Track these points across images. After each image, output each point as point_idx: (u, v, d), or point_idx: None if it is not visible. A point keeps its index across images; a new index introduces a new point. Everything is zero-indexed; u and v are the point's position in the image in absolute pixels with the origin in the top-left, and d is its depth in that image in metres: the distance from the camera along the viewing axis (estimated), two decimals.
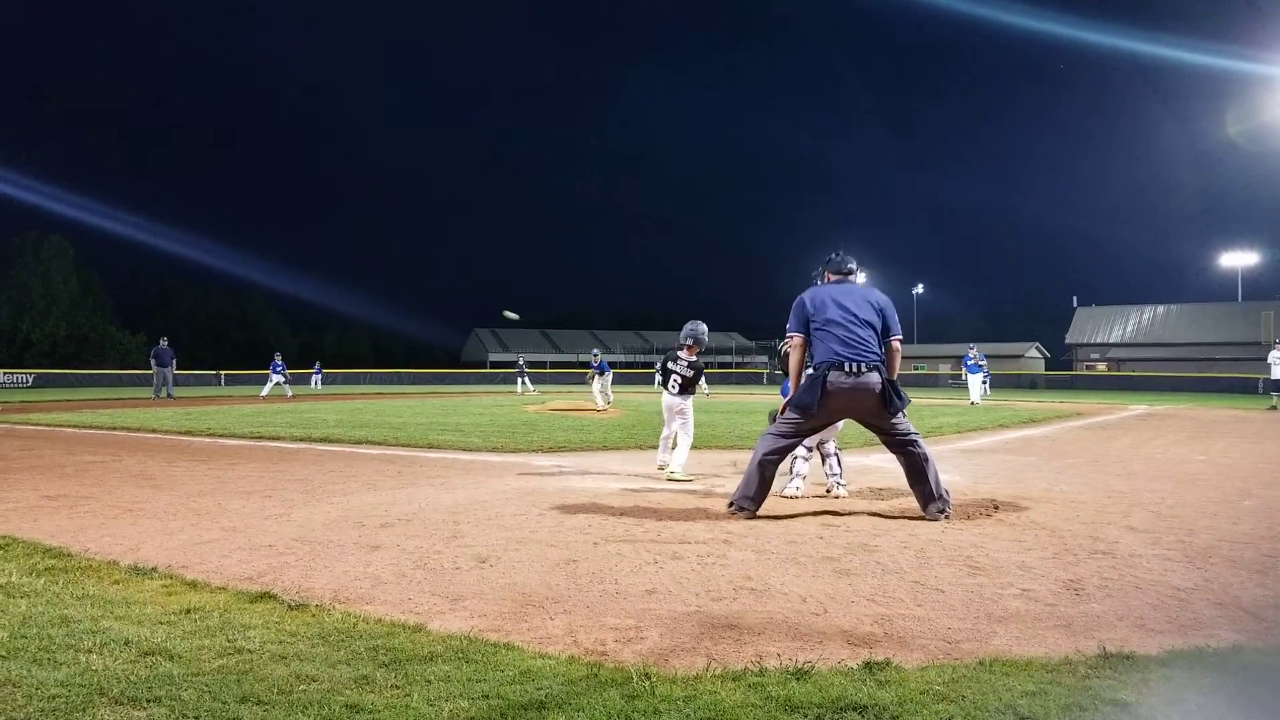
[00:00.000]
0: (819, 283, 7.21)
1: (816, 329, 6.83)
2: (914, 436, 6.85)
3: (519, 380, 42.69)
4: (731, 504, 6.86)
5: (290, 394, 34.56)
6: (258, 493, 7.88)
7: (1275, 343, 28.34)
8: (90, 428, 16.39)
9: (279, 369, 35.78)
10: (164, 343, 31.83)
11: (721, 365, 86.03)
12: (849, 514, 6.85)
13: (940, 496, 6.68)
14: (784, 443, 6.92)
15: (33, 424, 17.58)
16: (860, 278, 7.03)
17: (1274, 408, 26.35)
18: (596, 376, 25.64)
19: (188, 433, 14.88)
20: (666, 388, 9.40)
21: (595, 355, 26.98)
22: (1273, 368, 26.76)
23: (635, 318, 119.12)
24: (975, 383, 30.78)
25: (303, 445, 12.71)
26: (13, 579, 4.58)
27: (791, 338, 6.98)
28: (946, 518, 6.59)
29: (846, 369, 6.64)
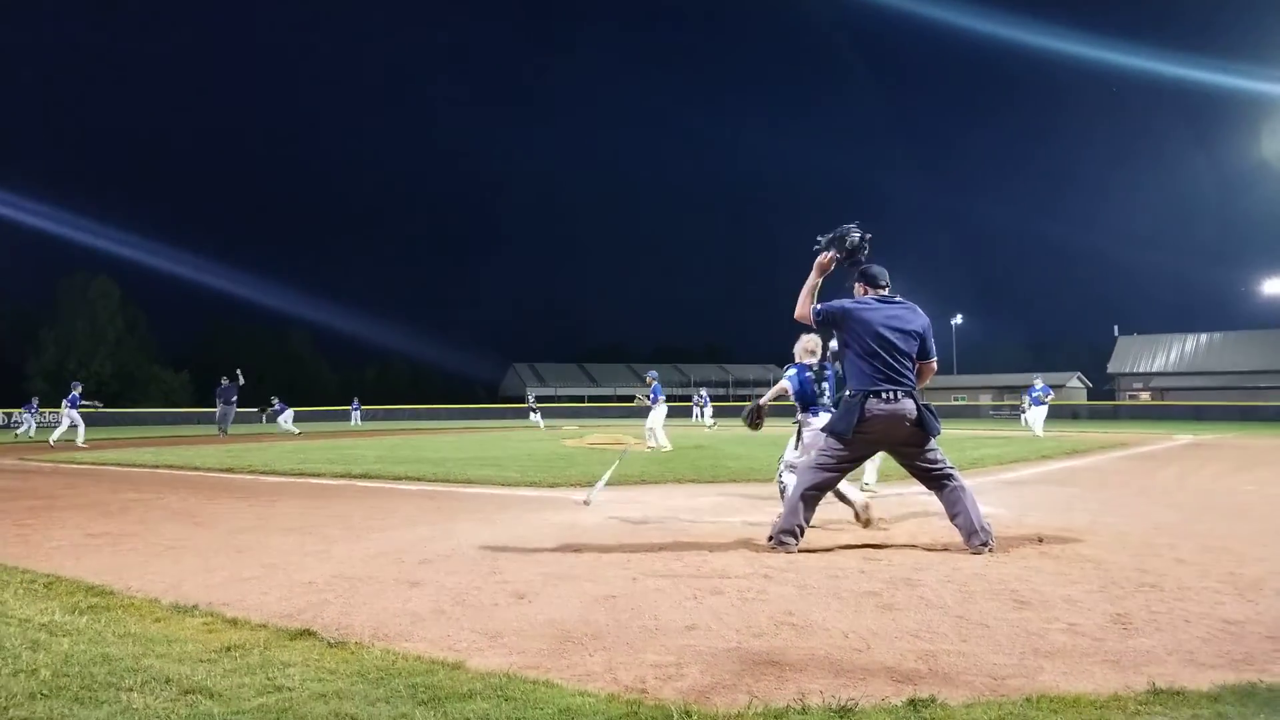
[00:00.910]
0: (855, 292, 7.00)
1: (855, 354, 6.68)
2: (950, 469, 6.78)
3: (532, 414, 41.53)
4: (771, 538, 6.78)
5: (297, 431, 34.70)
6: (298, 529, 7.92)
7: None
8: (133, 465, 16.58)
9: (280, 409, 36.39)
10: (225, 381, 32.93)
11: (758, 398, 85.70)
12: (890, 547, 6.78)
13: (981, 529, 6.56)
14: (826, 476, 6.81)
15: (77, 462, 17.82)
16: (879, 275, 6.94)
17: None
18: (652, 408, 20.56)
19: (229, 470, 15.01)
20: None
21: (650, 378, 21.35)
22: None
23: (672, 351, 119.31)
24: (1039, 415, 28.07)
25: (343, 482, 12.79)
26: (55, 617, 4.62)
27: (801, 309, 6.89)
28: (990, 550, 6.48)
29: (884, 396, 6.55)
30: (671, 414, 21.51)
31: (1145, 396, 69.99)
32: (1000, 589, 5.27)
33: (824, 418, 7.72)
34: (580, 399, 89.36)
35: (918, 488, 7.75)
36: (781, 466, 8.32)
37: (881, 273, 6.94)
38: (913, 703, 3.24)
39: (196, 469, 15.45)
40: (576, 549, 6.76)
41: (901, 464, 6.96)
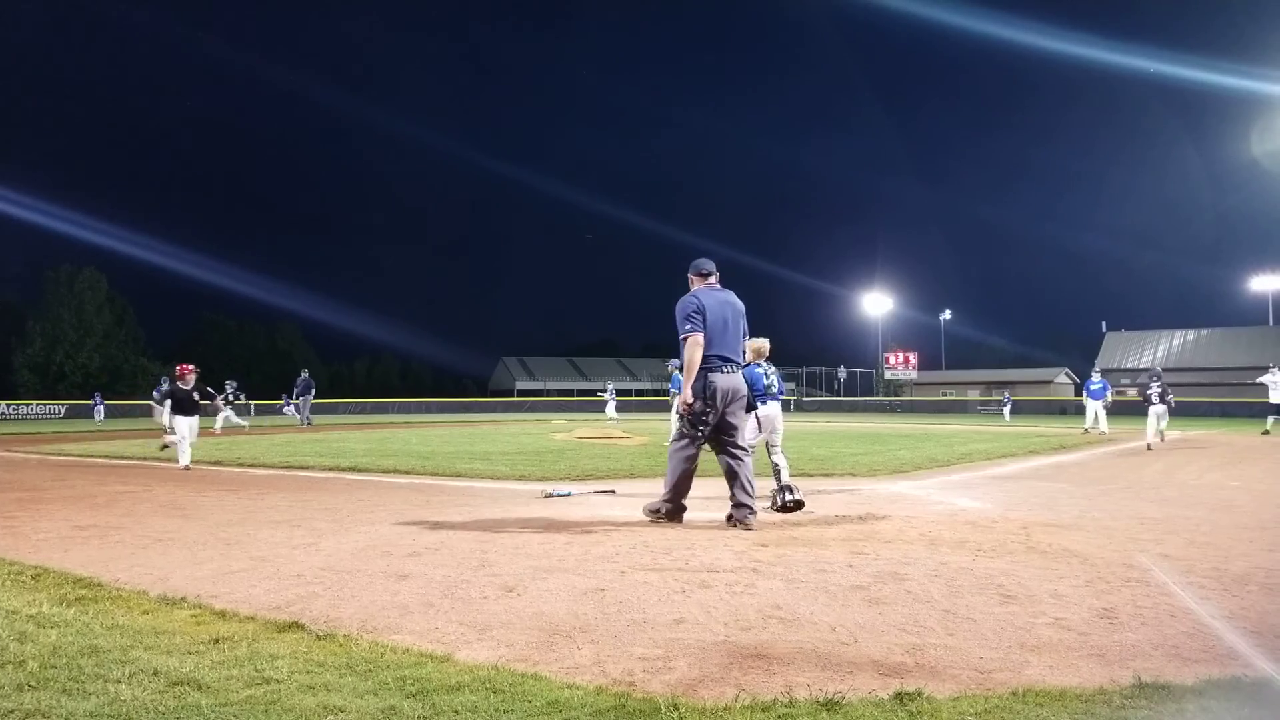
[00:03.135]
0: (691, 284, 8.02)
1: (705, 338, 7.63)
2: (743, 444, 7.85)
3: (287, 407, 38.38)
4: (657, 511, 7.87)
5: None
6: (286, 522, 7.90)
7: (1271, 367, 26.84)
8: (121, 458, 16.53)
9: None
10: (305, 374, 34.90)
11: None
12: (878, 542, 6.80)
13: (746, 504, 7.57)
14: (692, 447, 7.75)
15: (65, 455, 17.75)
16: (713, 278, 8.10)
17: (1267, 432, 25.65)
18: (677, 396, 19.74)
19: (217, 463, 14.98)
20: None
21: (671, 367, 19.30)
22: (1271, 390, 25.94)
23: (661, 346, 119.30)
24: (1095, 409, 27.65)
25: (331, 475, 12.76)
26: (43, 609, 4.61)
27: (695, 335, 7.61)
28: (748, 527, 7.40)
29: (724, 370, 7.67)
30: (661, 408, 21.23)
31: (1132, 393, 70.09)
32: (987, 583, 5.29)
33: (772, 404, 9.23)
34: (569, 393, 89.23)
35: (907, 483, 7.77)
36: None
37: (710, 264, 8.06)
38: (899, 696, 3.25)
39: None
40: (565, 542, 6.76)
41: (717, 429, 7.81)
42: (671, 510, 7.79)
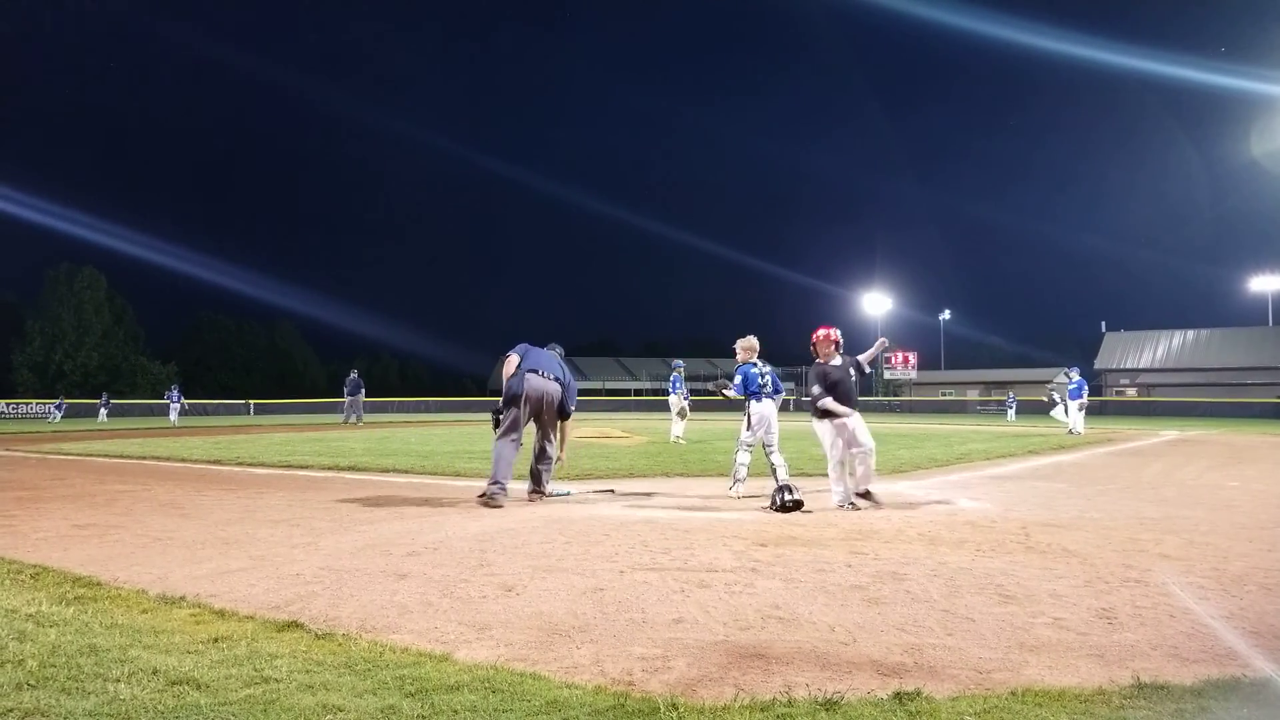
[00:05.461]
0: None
1: (520, 352, 9.62)
2: (552, 442, 9.66)
3: (55, 409, 37.41)
4: (484, 495, 9.01)
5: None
6: (285, 521, 7.90)
7: None
8: (120, 457, 16.52)
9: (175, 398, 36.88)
10: (354, 374, 35.48)
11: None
12: (877, 541, 6.80)
13: (546, 463, 9.58)
14: (512, 435, 9.38)
15: (64, 454, 17.74)
16: (559, 350, 10.22)
17: None
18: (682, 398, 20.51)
19: (217, 462, 14.97)
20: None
21: (674, 367, 21.39)
22: None
23: (660, 345, 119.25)
24: (1074, 409, 26.47)
25: (330, 474, 12.74)
26: (42, 608, 4.61)
27: (512, 357, 9.54)
28: (537, 488, 9.52)
29: (540, 374, 9.46)
30: (659, 408, 21.37)
31: (1132, 393, 70.14)
32: (986, 583, 5.29)
33: (766, 402, 9.46)
34: None
35: (907, 482, 7.76)
36: (738, 445, 9.67)
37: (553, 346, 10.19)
38: (898, 696, 3.25)
39: (184, 461, 15.41)
40: (564, 542, 6.76)
41: (538, 427, 9.55)
42: (497, 491, 9.00)
